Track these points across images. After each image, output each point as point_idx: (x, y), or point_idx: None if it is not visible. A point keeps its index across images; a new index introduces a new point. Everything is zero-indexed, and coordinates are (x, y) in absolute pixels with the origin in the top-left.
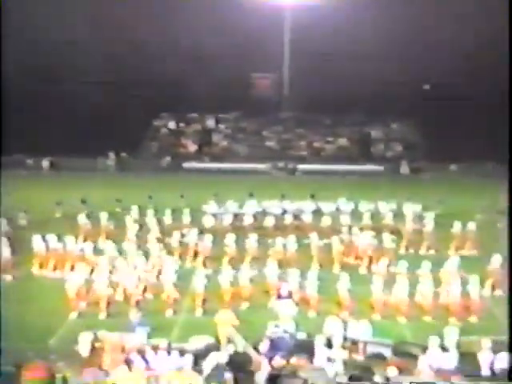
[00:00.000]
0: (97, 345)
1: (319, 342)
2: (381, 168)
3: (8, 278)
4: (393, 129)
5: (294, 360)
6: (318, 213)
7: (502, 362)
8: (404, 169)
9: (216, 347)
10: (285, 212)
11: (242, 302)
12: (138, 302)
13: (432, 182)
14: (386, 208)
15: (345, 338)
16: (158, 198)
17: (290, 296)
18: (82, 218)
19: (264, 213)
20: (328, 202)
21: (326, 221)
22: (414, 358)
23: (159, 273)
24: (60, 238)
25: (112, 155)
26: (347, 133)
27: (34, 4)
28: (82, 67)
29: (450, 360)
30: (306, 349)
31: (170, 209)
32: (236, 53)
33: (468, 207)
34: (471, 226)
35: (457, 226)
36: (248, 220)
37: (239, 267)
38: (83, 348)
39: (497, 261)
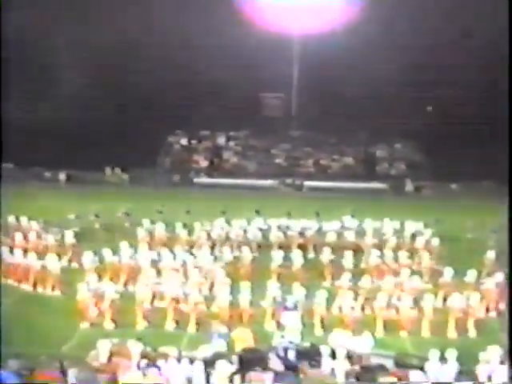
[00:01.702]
0: (112, 351)
1: (324, 352)
2: (385, 186)
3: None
4: (396, 148)
5: (299, 367)
6: (322, 230)
7: (500, 374)
8: (408, 187)
9: (224, 356)
10: (290, 228)
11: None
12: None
13: (433, 201)
14: (389, 225)
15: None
16: (169, 212)
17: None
18: (141, 231)
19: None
20: (333, 219)
21: (330, 237)
22: (415, 369)
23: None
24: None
25: (117, 170)
26: (352, 152)
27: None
28: (98, 83)
29: (449, 372)
30: (310, 357)
31: (180, 222)
32: (247, 74)
33: (462, 226)
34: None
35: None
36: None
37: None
38: (101, 355)
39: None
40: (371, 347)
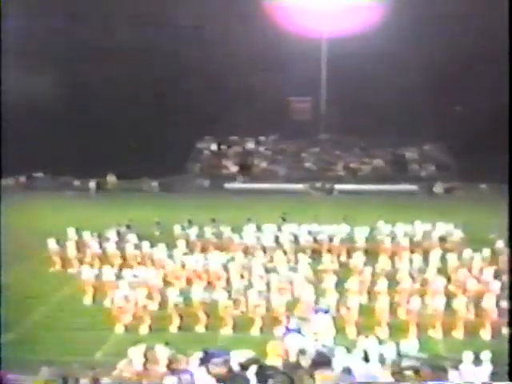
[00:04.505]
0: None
1: (339, 353)
2: (415, 187)
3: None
4: (426, 150)
5: (318, 372)
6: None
7: None
8: (438, 188)
9: (256, 361)
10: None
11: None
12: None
13: (464, 201)
14: (420, 228)
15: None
16: (201, 217)
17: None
18: (208, 233)
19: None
20: (364, 222)
21: (361, 241)
22: (446, 371)
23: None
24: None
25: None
26: (382, 154)
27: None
28: (131, 91)
29: (483, 374)
30: (326, 361)
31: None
32: (274, 78)
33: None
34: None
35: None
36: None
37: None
38: (136, 361)
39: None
40: (410, 350)
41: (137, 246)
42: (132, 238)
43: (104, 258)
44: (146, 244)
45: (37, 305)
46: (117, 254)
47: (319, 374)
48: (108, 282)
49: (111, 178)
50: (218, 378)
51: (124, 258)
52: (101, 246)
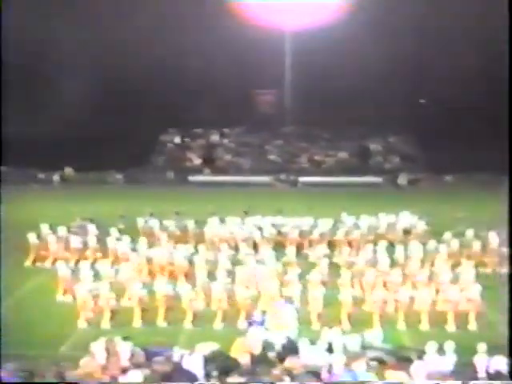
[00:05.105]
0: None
1: (304, 345)
2: (379, 179)
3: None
4: (390, 142)
5: (287, 361)
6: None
7: (497, 364)
8: (402, 180)
9: (221, 354)
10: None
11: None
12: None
13: (428, 193)
14: (384, 219)
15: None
16: (165, 210)
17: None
18: (172, 226)
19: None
20: (328, 213)
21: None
22: (412, 362)
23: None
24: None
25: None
26: (346, 146)
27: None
28: (94, 83)
29: (447, 364)
30: (295, 350)
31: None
32: (239, 71)
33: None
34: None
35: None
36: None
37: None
38: (98, 356)
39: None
40: (374, 341)
41: (100, 240)
42: (94, 231)
43: (67, 253)
44: (109, 237)
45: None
46: (79, 248)
47: (289, 363)
48: (70, 276)
49: (68, 170)
50: (163, 377)
51: (86, 251)
52: (67, 240)
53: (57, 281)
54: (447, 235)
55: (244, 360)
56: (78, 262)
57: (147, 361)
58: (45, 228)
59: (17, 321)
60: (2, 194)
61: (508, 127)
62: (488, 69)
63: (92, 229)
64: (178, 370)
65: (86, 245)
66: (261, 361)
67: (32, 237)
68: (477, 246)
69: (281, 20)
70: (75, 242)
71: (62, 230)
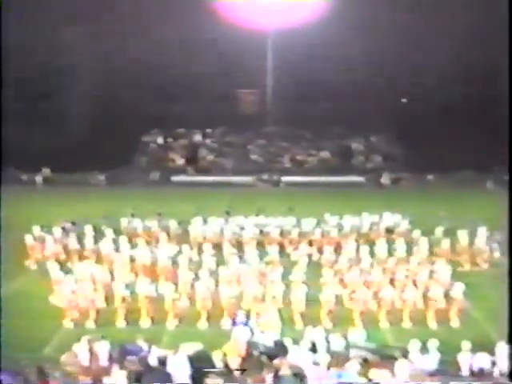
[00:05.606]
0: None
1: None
2: (362, 179)
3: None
4: (372, 141)
5: (276, 361)
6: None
7: (480, 362)
8: (385, 179)
9: (205, 354)
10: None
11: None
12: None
13: (410, 192)
14: (367, 219)
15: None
16: (149, 210)
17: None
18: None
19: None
20: (311, 213)
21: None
22: (396, 360)
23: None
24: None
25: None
26: (328, 146)
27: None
28: (72, 84)
29: (431, 362)
30: (282, 351)
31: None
32: (221, 71)
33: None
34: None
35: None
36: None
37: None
38: (82, 356)
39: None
40: (357, 340)
41: (82, 240)
42: (76, 232)
43: (51, 254)
44: (92, 238)
45: None
46: (55, 248)
47: (278, 363)
48: (54, 277)
49: (46, 171)
50: (136, 377)
51: (70, 252)
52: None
53: (40, 282)
54: (430, 234)
55: (234, 364)
56: (62, 262)
57: (120, 357)
58: (36, 230)
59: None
60: None
61: (508, 128)
62: (469, 69)
63: (75, 230)
64: (151, 370)
65: (68, 246)
66: (251, 362)
67: (29, 238)
68: (458, 243)
69: (263, 20)
70: (58, 243)
71: (43, 231)
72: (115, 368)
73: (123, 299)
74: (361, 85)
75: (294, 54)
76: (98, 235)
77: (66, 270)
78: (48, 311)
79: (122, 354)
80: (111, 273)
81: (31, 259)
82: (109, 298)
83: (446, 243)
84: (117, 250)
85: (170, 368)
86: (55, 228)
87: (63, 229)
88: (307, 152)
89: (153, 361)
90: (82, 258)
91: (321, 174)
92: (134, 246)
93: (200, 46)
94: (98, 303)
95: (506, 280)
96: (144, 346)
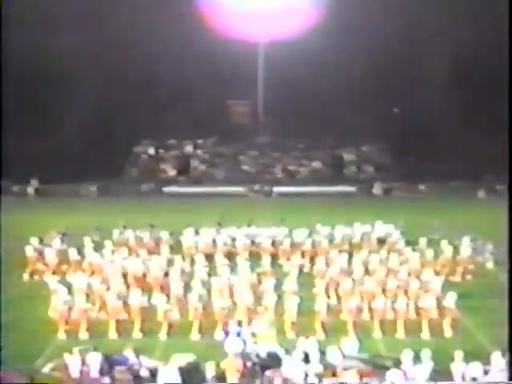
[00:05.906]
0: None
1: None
2: (353, 189)
3: None
4: (364, 151)
5: (268, 373)
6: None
7: (473, 371)
8: (376, 189)
9: (197, 365)
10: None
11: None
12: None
13: (402, 202)
14: (359, 229)
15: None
16: (140, 221)
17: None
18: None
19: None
20: (303, 223)
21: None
22: (388, 370)
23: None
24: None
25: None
26: (320, 156)
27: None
28: (64, 95)
29: (423, 371)
30: (276, 362)
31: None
32: (212, 82)
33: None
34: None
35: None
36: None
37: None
38: (73, 368)
39: None
40: (350, 350)
41: (75, 252)
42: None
43: (43, 265)
44: (83, 249)
45: None
46: (55, 260)
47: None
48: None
49: (34, 182)
50: None
51: (61, 263)
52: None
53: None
54: (422, 243)
55: (233, 379)
56: (53, 274)
57: (109, 368)
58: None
59: None
60: None
61: (508, 132)
62: (462, 80)
63: (66, 241)
64: (141, 381)
65: (60, 257)
66: (244, 373)
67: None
68: (450, 254)
69: (254, 31)
70: (50, 254)
71: (36, 243)
72: (106, 380)
73: (115, 310)
74: (352, 95)
75: (285, 65)
76: (90, 247)
77: (58, 281)
78: (41, 322)
79: (109, 364)
80: (104, 284)
81: (27, 271)
82: (102, 309)
83: (438, 253)
84: (109, 261)
85: (160, 380)
86: (48, 239)
87: (54, 239)
88: (299, 162)
89: (144, 372)
90: (72, 269)
91: (313, 184)
92: (125, 257)
93: (191, 57)
94: (91, 314)
95: (501, 290)
96: (131, 356)
